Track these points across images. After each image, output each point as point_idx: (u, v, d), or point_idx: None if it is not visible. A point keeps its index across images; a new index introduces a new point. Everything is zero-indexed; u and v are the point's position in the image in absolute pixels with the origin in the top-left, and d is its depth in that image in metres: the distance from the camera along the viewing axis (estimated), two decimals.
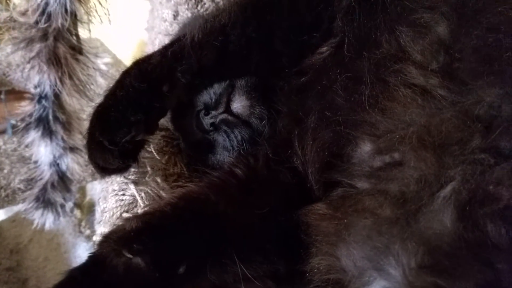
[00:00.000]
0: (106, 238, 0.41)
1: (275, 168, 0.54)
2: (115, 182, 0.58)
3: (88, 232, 1.98)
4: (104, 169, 0.53)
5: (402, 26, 0.48)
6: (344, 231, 0.45)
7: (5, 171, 1.28)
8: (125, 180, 0.56)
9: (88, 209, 2.16)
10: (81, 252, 1.94)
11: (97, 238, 0.52)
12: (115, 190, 0.56)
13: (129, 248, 0.39)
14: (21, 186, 1.26)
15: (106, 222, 0.53)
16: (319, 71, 0.54)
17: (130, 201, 0.55)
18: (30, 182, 0.98)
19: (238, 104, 0.60)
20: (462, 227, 0.38)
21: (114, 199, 0.55)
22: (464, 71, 0.43)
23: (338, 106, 0.49)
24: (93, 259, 0.40)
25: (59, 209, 0.98)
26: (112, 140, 0.52)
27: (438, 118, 0.41)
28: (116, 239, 0.40)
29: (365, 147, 0.46)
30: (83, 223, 2.01)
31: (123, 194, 0.56)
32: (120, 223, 0.46)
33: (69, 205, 1.86)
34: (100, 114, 0.54)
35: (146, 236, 0.41)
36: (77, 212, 2.03)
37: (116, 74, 1.63)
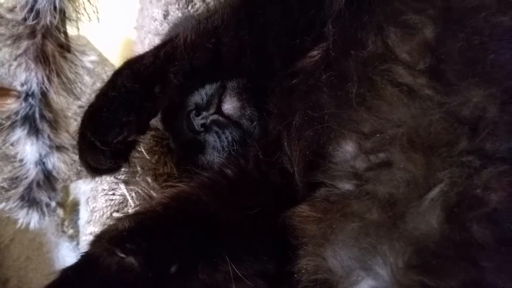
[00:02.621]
0: (99, 237, 0.41)
1: (265, 169, 0.55)
2: (105, 181, 0.58)
3: (71, 231, 1.95)
4: (95, 170, 0.53)
5: (391, 27, 0.50)
6: (331, 234, 0.46)
7: None
8: (115, 180, 0.56)
9: (71, 208, 2.13)
10: (64, 252, 1.91)
11: (86, 237, 0.52)
12: (105, 190, 0.56)
13: (122, 247, 0.39)
14: (5, 185, 1.24)
15: (96, 221, 0.53)
16: (310, 73, 0.55)
17: (121, 201, 0.55)
18: (14, 181, 0.96)
19: (229, 105, 0.61)
20: (449, 229, 0.39)
21: (104, 199, 0.55)
22: (450, 72, 0.44)
23: (323, 104, 0.50)
24: (85, 258, 0.40)
25: (44, 209, 0.97)
26: (104, 141, 0.52)
27: (427, 119, 0.43)
28: (109, 239, 0.40)
29: (347, 147, 0.47)
30: (66, 223, 1.98)
31: (113, 194, 0.55)
32: (112, 223, 0.46)
33: (52, 204, 1.84)
34: (92, 115, 0.54)
35: (139, 236, 0.41)
36: (60, 212, 2.00)
37: (102, 72, 1.61)
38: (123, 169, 0.58)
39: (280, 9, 0.57)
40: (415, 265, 0.39)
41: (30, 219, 0.99)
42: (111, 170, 0.55)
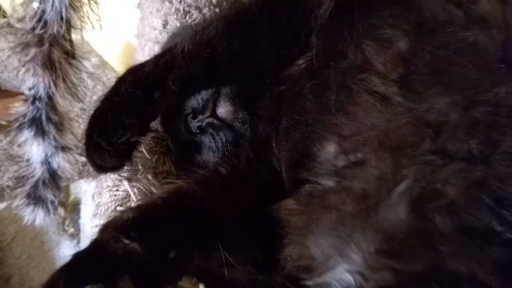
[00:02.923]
0: (106, 226, 0.47)
1: (255, 167, 0.61)
2: (109, 179, 0.63)
3: (72, 230, 1.99)
4: (101, 167, 0.59)
5: (368, 40, 0.55)
6: (312, 225, 0.51)
7: None
8: (119, 177, 0.61)
9: (72, 208, 2.18)
10: (65, 250, 1.95)
11: (92, 229, 0.57)
12: (109, 186, 0.61)
13: (127, 235, 0.45)
14: (10, 183, 1.29)
15: (102, 215, 0.58)
16: (296, 81, 0.60)
17: (124, 196, 0.60)
18: (21, 179, 1.01)
19: (223, 109, 0.66)
20: (414, 218, 0.45)
21: (108, 194, 0.61)
22: (418, 82, 0.49)
23: (307, 109, 0.55)
24: (95, 244, 0.45)
25: (50, 206, 1.02)
26: (109, 141, 0.57)
27: (396, 124, 0.48)
28: (115, 228, 0.46)
29: (330, 148, 0.52)
30: (67, 222, 2.01)
31: (117, 190, 0.61)
32: (118, 214, 0.51)
33: (56, 202, 1.88)
34: (98, 118, 0.59)
35: (141, 225, 0.47)
36: (61, 211, 2.04)
37: (102, 75, 1.66)
38: (126, 168, 0.63)
39: (269, 23, 0.63)
40: (384, 251, 0.45)
41: (35, 216, 1.03)
42: (115, 168, 0.60)
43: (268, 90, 0.64)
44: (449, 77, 0.48)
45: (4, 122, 2.58)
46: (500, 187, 0.41)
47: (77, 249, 1.84)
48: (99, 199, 0.61)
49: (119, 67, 1.94)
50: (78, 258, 0.43)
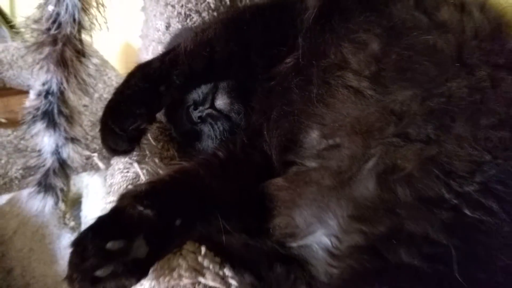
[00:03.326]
0: (123, 196, 0.55)
1: (249, 151, 0.69)
2: (120, 162, 0.71)
3: (72, 223, 2.05)
4: (114, 150, 0.67)
5: (345, 43, 0.64)
6: (297, 198, 0.60)
7: (2, 161, 1.37)
8: (129, 161, 0.70)
9: (72, 202, 2.24)
10: (66, 243, 2.00)
11: (107, 205, 0.65)
12: (120, 169, 0.70)
13: (141, 203, 0.53)
14: (18, 175, 1.36)
15: (115, 192, 0.67)
16: (284, 77, 0.69)
17: (134, 177, 0.68)
18: (32, 169, 1.09)
19: (221, 102, 0.75)
20: (379, 189, 0.53)
21: (120, 175, 0.69)
22: (386, 78, 0.58)
23: (294, 101, 0.64)
24: (115, 209, 0.53)
25: (59, 193, 1.10)
26: (122, 128, 0.66)
27: (366, 112, 0.57)
28: (131, 197, 0.54)
29: (313, 134, 0.61)
30: (67, 216, 2.08)
31: (128, 172, 0.69)
32: (133, 188, 0.60)
33: (65, 189, 1.96)
34: (112, 107, 0.68)
35: (152, 196, 0.55)
36: (62, 205, 2.11)
37: (103, 74, 1.74)
38: (135, 153, 0.72)
39: (261, 26, 0.72)
40: (355, 217, 0.53)
41: (45, 203, 1.12)
42: (126, 151, 0.69)
43: (260, 85, 0.72)
44: (411, 74, 0.57)
45: (4, 120, 2.68)
46: (448, 161, 0.50)
47: None
48: (111, 180, 0.70)
49: (119, 66, 2.03)
50: (102, 220, 0.52)
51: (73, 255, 0.49)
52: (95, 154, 1.43)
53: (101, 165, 1.43)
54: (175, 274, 0.54)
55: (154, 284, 0.55)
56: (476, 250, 0.47)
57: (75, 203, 2.23)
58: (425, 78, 0.57)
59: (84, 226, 1.95)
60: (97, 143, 1.47)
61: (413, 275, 0.47)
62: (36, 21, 0.90)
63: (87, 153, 1.39)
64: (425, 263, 0.46)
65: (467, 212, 0.48)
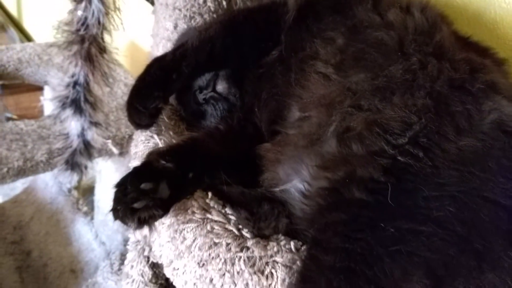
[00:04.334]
0: (150, 153, 0.74)
1: (243, 124, 0.87)
2: (141, 135, 0.89)
3: (85, 209, 2.21)
4: (138, 125, 0.85)
5: (317, 39, 0.82)
6: (279, 156, 0.78)
7: (29, 147, 1.56)
8: (150, 133, 0.88)
9: (84, 191, 2.42)
10: (79, 226, 2.17)
11: (132, 165, 0.83)
12: (142, 140, 0.88)
13: (164, 158, 0.71)
14: (43, 159, 1.55)
15: (139, 158, 0.85)
16: (271, 66, 0.88)
17: (153, 146, 0.87)
18: (61, 149, 1.28)
19: (221, 86, 0.91)
20: (339, 145, 0.66)
21: (142, 145, 0.87)
22: (346, 65, 0.74)
23: (278, 85, 0.82)
24: (145, 162, 0.72)
25: (83, 170, 1.29)
26: (144, 106, 0.83)
27: (330, 90, 0.74)
28: (156, 154, 0.73)
29: (293, 109, 0.79)
30: (80, 201, 2.25)
31: (148, 142, 0.87)
32: (156, 148, 0.80)
33: (67, 186, 2.16)
34: (136, 91, 0.85)
35: (172, 153, 0.73)
36: (75, 193, 2.28)
37: (113, 69, 1.92)
38: (153, 128, 0.90)
39: (252, 26, 0.90)
40: (321, 166, 0.69)
41: (72, 178, 1.31)
42: (147, 125, 0.86)
43: (252, 72, 0.90)
44: (364, 62, 0.73)
45: (15, 117, 2.90)
46: (387, 123, 0.64)
47: (91, 226, 2.09)
48: (135, 149, 0.88)
49: (125, 63, 2.21)
50: (136, 169, 0.70)
51: (117, 192, 0.68)
52: (109, 141, 1.62)
53: (115, 150, 1.61)
54: (189, 212, 0.73)
55: (173, 220, 0.74)
56: (406, 185, 0.59)
57: (87, 191, 2.41)
58: (373, 64, 0.72)
59: (97, 210, 2.12)
60: (111, 131, 1.65)
61: (361, 205, 0.60)
62: (67, 24, 1.08)
63: (103, 140, 1.57)
64: (369, 196, 0.60)
65: (400, 158, 0.60)
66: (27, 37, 3.36)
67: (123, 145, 1.62)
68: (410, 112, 0.65)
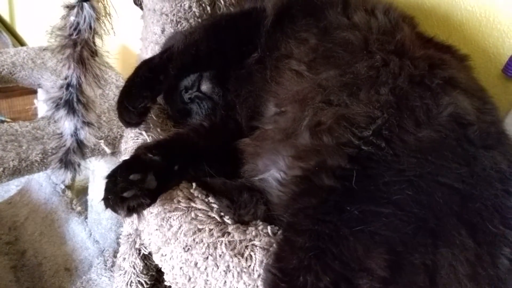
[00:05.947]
0: (138, 147, 0.80)
1: (226, 121, 0.94)
2: (131, 132, 0.96)
3: (79, 208, 2.25)
4: (128, 123, 0.91)
5: (291, 40, 0.88)
6: (258, 150, 0.85)
7: (24, 147, 1.60)
8: (139, 131, 0.94)
9: (78, 191, 2.46)
10: (74, 226, 2.21)
11: (122, 159, 0.89)
12: (132, 136, 0.94)
13: (151, 151, 0.78)
14: (37, 159, 1.60)
15: (128, 153, 0.92)
16: (250, 67, 0.95)
17: (142, 142, 0.93)
18: (55, 149, 1.33)
19: (205, 86, 0.98)
20: (312, 138, 0.71)
21: (132, 141, 0.94)
22: (317, 63, 0.81)
23: (256, 83, 0.89)
24: (133, 155, 0.79)
25: (77, 168, 1.34)
26: (133, 106, 0.88)
27: (303, 87, 0.80)
28: (144, 147, 0.79)
29: (270, 105, 0.86)
30: (74, 202, 2.29)
31: (137, 139, 0.94)
32: (144, 143, 0.86)
33: (61, 186, 2.21)
34: (126, 91, 0.91)
35: (158, 147, 0.80)
36: (69, 193, 2.32)
37: (104, 72, 1.97)
38: (142, 125, 0.97)
39: (234, 31, 0.96)
40: (296, 157, 0.75)
41: (66, 176, 1.35)
42: (136, 123, 0.92)
43: (233, 73, 0.96)
44: (333, 60, 0.80)
45: (9, 120, 2.94)
46: (353, 117, 0.70)
47: (85, 225, 2.13)
48: (125, 145, 0.95)
49: (116, 66, 2.26)
50: (125, 162, 0.77)
51: (108, 183, 0.74)
52: (102, 141, 1.67)
53: (107, 150, 1.66)
54: (175, 201, 0.79)
55: (161, 209, 0.80)
56: (369, 172, 0.64)
57: (81, 191, 2.45)
58: (341, 62, 0.78)
59: (90, 209, 2.17)
60: (103, 131, 1.70)
61: (330, 190, 0.65)
62: (60, 29, 1.14)
63: (95, 140, 1.61)
64: (337, 182, 0.64)
65: (364, 148, 0.66)
66: (20, 42, 3.40)
67: (115, 145, 1.67)
68: (374, 108, 0.71)
